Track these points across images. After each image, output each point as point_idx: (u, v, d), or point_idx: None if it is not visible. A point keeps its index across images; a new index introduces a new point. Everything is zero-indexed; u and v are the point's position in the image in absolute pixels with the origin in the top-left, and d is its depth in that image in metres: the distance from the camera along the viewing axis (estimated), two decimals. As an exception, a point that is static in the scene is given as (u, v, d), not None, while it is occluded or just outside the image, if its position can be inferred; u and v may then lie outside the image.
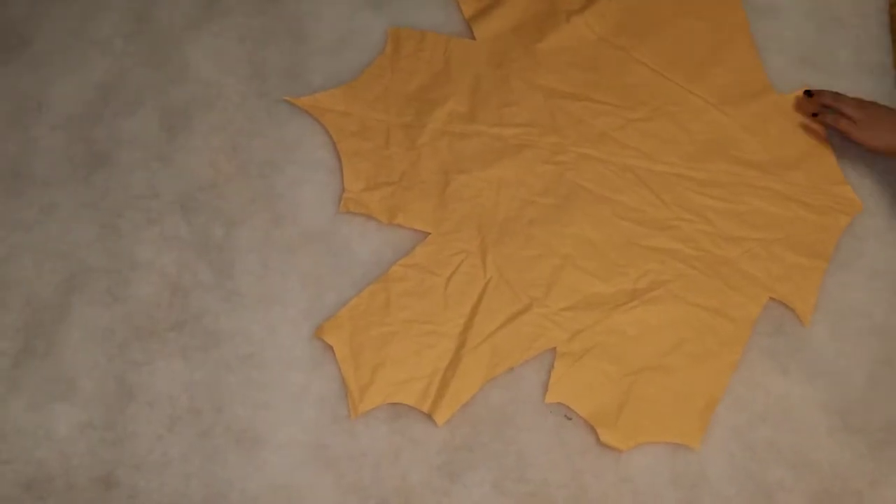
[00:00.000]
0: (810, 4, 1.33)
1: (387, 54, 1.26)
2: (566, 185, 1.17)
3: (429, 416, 1.05)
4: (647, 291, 1.12)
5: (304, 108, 1.22)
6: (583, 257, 1.14)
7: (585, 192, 1.17)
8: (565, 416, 1.06)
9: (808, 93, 1.23)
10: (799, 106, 1.24)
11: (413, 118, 1.22)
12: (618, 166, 1.19)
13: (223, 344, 1.10)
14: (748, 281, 1.12)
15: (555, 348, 1.09)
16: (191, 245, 1.15)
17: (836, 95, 1.20)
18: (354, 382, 1.06)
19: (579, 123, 1.21)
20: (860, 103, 1.18)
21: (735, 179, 1.18)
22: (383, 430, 1.06)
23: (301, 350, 1.09)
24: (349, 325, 1.09)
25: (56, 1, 1.31)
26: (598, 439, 1.04)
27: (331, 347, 1.08)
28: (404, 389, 1.06)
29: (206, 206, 1.17)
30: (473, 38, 1.28)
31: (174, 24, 1.29)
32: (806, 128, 1.22)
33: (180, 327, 1.10)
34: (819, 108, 1.21)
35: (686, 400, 1.06)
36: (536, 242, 1.14)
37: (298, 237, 1.15)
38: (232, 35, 1.28)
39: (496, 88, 1.24)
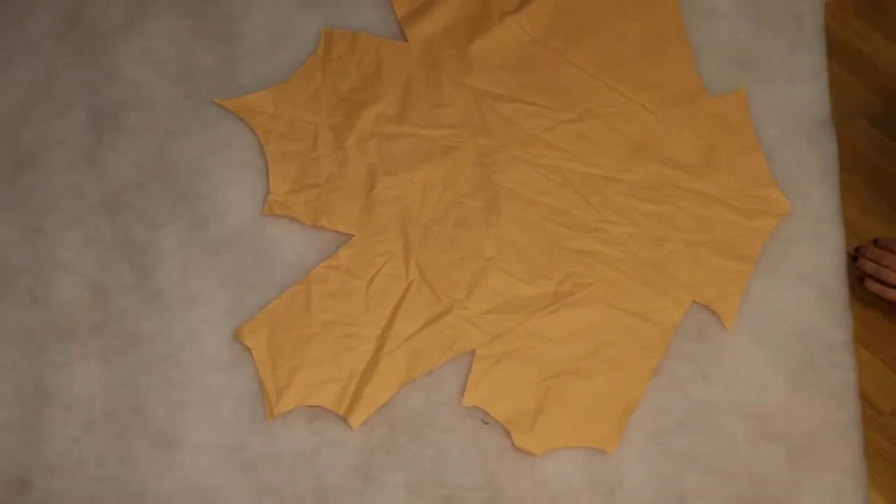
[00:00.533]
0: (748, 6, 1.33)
1: (318, 55, 1.27)
2: (493, 187, 1.18)
3: (345, 419, 1.06)
4: (569, 294, 1.12)
5: (232, 110, 1.23)
6: (507, 260, 1.14)
7: (512, 195, 1.18)
8: (482, 420, 1.07)
9: (857, 250, 1.20)
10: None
11: (342, 119, 1.22)
12: (546, 168, 1.19)
13: (142, 345, 1.10)
14: (672, 284, 1.13)
15: (474, 351, 1.09)
16: (113, 246, 1.16)
17: (884, 252, 1.16)
18: (272, 384, 1.07)
19: (509, 125, 1.22)
20: None
21: (664, 181, 1.18)
22: (301, 432, 1.07)
23: (221, 351, 1.10)
24: (268, 326, 1.10)
25: (-8, -2, 1.32)
26: (513, 443, 1.05)
27: (250, 349, 1.09)
28: (321, 391, 1.07)
29: (130, 208, 1.18)
30: (406, 39, 1.28)
31: (106, 25, 1.29)
32: (736, 130, 1.22)
33: (100, 328, 1.11)
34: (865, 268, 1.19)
35: (603, 404, 1.07)
36: (460, 245, 1.15)
37: (222, 238, 1.16)
38: (163, 36, 1.28)
39: (427, 90, 1.24)
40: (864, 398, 1.10)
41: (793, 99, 1.24)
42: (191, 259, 1.15)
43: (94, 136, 1.22)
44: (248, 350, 1.10)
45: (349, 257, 1.14)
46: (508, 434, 1.06)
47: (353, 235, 1.15)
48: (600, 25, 1.29)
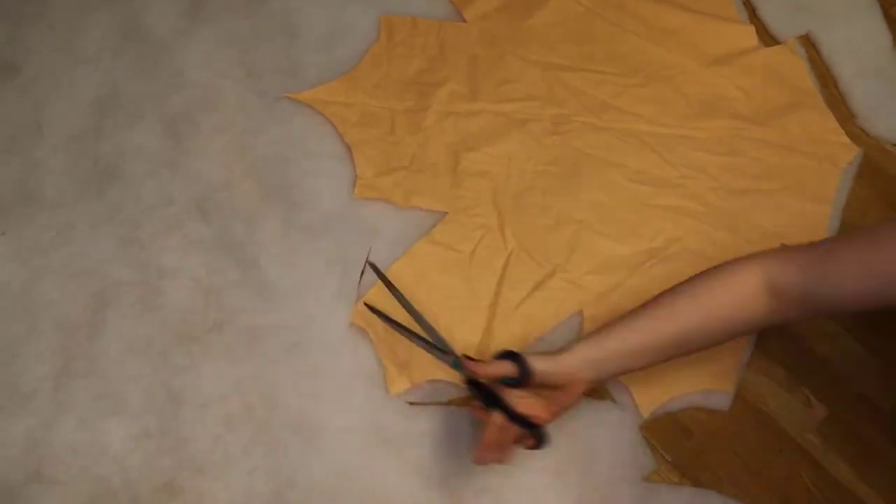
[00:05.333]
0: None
1: (381, 42, 1.37)
2: (573, 153, 1.30)
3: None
4: (663, 249, 1.24)
5: (305, 103, 1.32)
6: (598, 222, 1.26)
7: (592, 160, 1.29)
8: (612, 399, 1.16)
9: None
10: None
11: (415, 102, 1.33)
12: (620, 132, 1.31)
13: (264, 338, 1.19)
14: (758, 232, 1.25)
15: (581, 311, 1.21)
16: (215, 246, 1.24)
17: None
18: (391, 362, 1.17)
19: (578, 94, 1.33)
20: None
21: (733, 134, 1.31)
22: (439, 410, 1.16)
23: (340, 333, 1.19)
24: (380, 306, 1.19)
25: (37, 24, 1.39)
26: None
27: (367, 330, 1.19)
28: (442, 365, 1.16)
29: (222, 206, 1.26)
30: (463, 20, 1.39)
31: (160, 35, 1.38)
32: (791, 79, 1.35)
33: (219, 328, 1.20)
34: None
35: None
36: (551, 211, 1.26)
37: (319, 223, 1.25)
38: (221, 39, 1.38)
39: (492, 67, 1.35)
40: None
41: (855, 34, 1.37)
42: (292, 247, 1.24)
43: (171, 142, 1.30)
44: (365, 330, 1.19)
45: (447, 232, 1.25)
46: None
47: (447, 213, 1.26)
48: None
